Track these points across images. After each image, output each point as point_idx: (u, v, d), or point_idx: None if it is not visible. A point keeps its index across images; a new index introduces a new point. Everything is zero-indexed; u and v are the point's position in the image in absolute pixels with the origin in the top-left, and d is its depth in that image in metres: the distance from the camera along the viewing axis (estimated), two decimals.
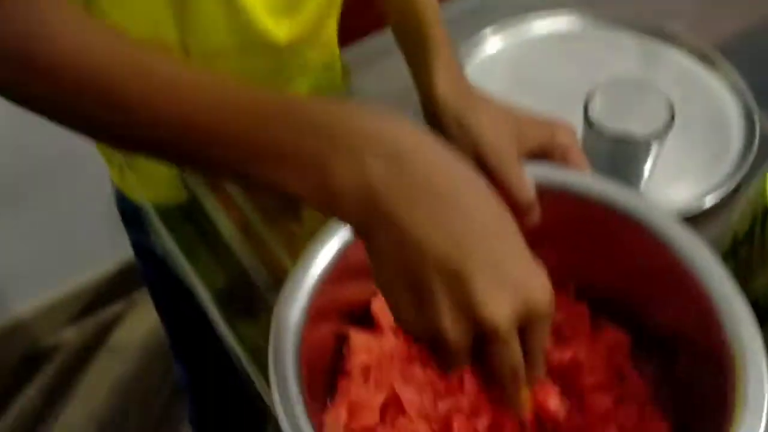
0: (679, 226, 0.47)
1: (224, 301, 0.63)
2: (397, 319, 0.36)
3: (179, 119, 0.37)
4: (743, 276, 0.45)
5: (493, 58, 0.76)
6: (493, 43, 0.77)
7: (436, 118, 0.57)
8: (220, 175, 0.48)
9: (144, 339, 1.50)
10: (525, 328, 0.35)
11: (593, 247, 0.51)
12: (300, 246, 0.65)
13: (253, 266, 0.64)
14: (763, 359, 0.41)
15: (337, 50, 0.74)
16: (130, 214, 0.76)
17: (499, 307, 0.33)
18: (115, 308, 1.55)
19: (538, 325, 0.35)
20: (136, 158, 0.71)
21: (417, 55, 0.59)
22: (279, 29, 0.62)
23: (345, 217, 0.36)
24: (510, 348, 0.35)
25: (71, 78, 0.38)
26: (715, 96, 0.73)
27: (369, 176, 0.34)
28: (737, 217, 0.52)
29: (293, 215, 0.68)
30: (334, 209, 0.36)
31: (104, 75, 0.38)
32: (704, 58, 0.75)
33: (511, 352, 0.35)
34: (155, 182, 0.71)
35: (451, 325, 0.34)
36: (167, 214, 0.69)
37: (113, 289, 1.54)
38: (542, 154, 0.53)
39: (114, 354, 1.50)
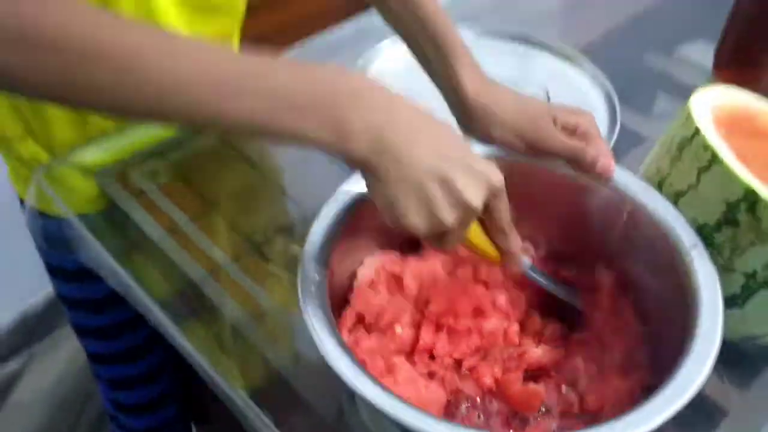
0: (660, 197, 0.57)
1: (166, 304, 0.66)
2: (407, 225, 0.48)
3: (206, 80, 0.43)
4: (729, 251, 0.53)
5: (389, 68, 0.84)
6: (389, 55, 0.86)
7: (463, 111, 0.63)
8: (233, 131, 0.52)
9: (51, 391, 1.45)
10: (492, 203, 0.50)
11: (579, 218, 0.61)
12: (229, 241, 0.70)
13: (185, 262, 0.68)
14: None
15: None
16: (50, 232, 0.77)
17: (476, 194, 0.48)
18: (12, 365, 1.50)
19: (501, 197, 0.50)
20: (55, 169, 0.74)
21: (438, 60, 0.64)
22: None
23: (355, 153, 0.46)
24: (504, 204, 0.51)
25: (81, 47, 0.41)
26: (582, 89, 0.83)
27: (374, 121, 0.46)
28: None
29: (216, 212, 0.73)
30: (347, 148, 0.46)
31: (115, 42, 0.41)
32: (569, 58, 0.87)
33: (505, 208, 0.51)
34: (75, 193, 0.74)
35: (449, 214, 0.47)
36: (91, 224, 0.72)
37: (9, 346, 1.49)
38: (568, 134, 0.59)
39: (18, 412, 1.44)
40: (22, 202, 0.82)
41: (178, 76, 0.42)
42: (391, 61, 0.86)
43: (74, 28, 0.41)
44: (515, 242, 0.54)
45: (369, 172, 0.47)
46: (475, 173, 0.48)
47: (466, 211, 0.48)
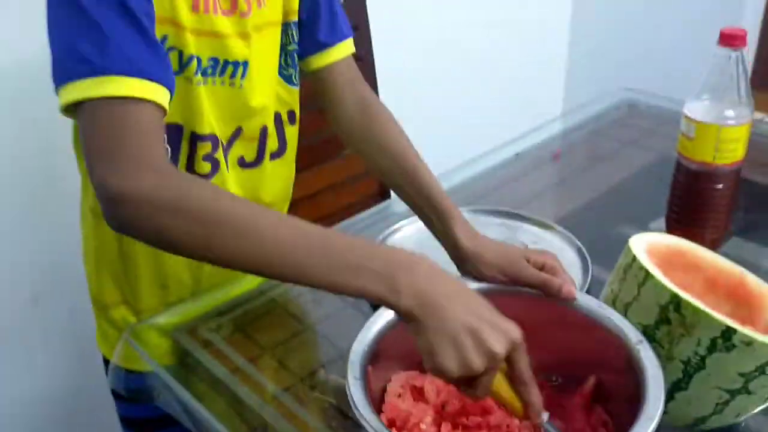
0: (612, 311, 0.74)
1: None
2: (443, 368, 0.60)
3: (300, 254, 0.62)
4: (668, 344, 0.69)
5: (405, 240, 1.06)
6: (404, 231, 1.08)
7: (460, 258, 0.82)
8: (313, 285, 0.64)
9: None
10: (513, 355, 0.61)
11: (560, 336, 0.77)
12: (281, 376, 0.87)
13: (247, 395, 0.84)
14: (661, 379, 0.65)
15: None
16: (133, 384, 0.94)
17: (500, 345, 0.60)
18: None
19: (521, 349, 0.62)
20: (139, 330, 0.92)
21: (440, 223, 0.85)
22: None
23: (403, 306, 0.60)
24: (523, 357, 0.62)
25: (213, 219, 0.61)
26: (559, 249, 1.03)
27: (421, 285, 0.61)
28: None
29: (270, 355, 0.90)
30: (398, 302, 0.60)
31: (238, 219, 0.62)
32: (548, 227, 1.08)
33: (525, 361, 0.63)
34: (154, 349, 0.91)
35: (478, 360, 0.59)
36: (169, 373, 0.89)
37: None
38: (538, 269, 0.78)
39: None
40: (105, 363, 1.00)
41: (277, 243, 0.62)
42: (405, 236, 1.07)
43: (216, 204, 0.63)
44: (535, 394, 0.64)
45: (413, 322, 0.61)
46: (500, 329, 0.60)
47: (491, 359, 0.59)
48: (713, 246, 0.97)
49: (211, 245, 0.62)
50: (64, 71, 0.67)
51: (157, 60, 0.70)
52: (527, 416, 0.65)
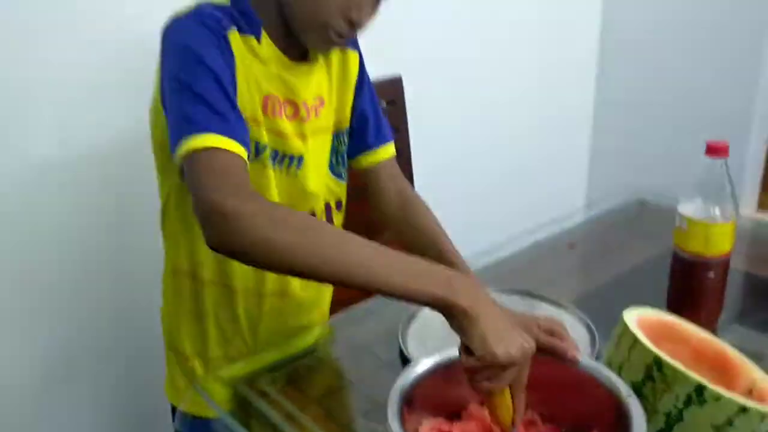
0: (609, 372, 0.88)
1: None
2: (494, 352, 0.76)
3: (381, 271, 0.79)
4: (652, 398, 0.84)
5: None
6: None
7: None
8: (390, 291, 0.79)
9: None
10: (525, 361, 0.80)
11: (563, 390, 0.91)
12: (326, 422, 1.01)
13: None
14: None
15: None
16: (197, 429, 1.09)
17: (528, 345, 0.79)
18: None
19: (531, 357, 0.80)
20: (205, 380, 1.07)
21: None
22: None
23: (461, 306, 0.77)
24: (528, 366, 0.82)
25: (313, 232, 0.79)
26: (570, 325, 1.17)
27: (471, 291, 0.78)
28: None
29: (317, 404, 1.05)
30: (456, 302, 0.77)
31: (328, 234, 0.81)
32: (561, 306, 1.23)
33: (528, 367, 0.82)
34: (218, 397, 1.07)
35: (517, 353, 0.77)
36: (229, 419, 1.04)
37: None
38: (547, 334, 0.94)
39: None
40: (173, 410, 1.15)
41: (363, 255, 0.79)
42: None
43: (314, 221, 0.86)
44: (523, 400, 0.83)
45: (466, 318, 0.77)
46: (525, 336, 0.80)
47: (523, 352, 0.78)
48: (708, 327, 1.11)
49: (309, 252, 0.78)
50: (179, 132, 0.88)
51: (241, 127, 0.91)
52: (513, 419, 0.82)
